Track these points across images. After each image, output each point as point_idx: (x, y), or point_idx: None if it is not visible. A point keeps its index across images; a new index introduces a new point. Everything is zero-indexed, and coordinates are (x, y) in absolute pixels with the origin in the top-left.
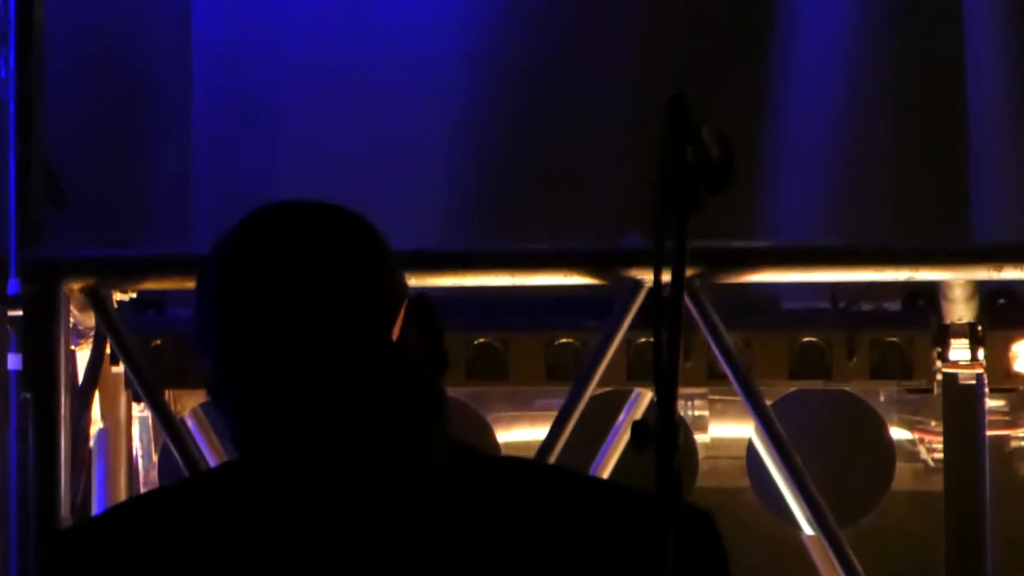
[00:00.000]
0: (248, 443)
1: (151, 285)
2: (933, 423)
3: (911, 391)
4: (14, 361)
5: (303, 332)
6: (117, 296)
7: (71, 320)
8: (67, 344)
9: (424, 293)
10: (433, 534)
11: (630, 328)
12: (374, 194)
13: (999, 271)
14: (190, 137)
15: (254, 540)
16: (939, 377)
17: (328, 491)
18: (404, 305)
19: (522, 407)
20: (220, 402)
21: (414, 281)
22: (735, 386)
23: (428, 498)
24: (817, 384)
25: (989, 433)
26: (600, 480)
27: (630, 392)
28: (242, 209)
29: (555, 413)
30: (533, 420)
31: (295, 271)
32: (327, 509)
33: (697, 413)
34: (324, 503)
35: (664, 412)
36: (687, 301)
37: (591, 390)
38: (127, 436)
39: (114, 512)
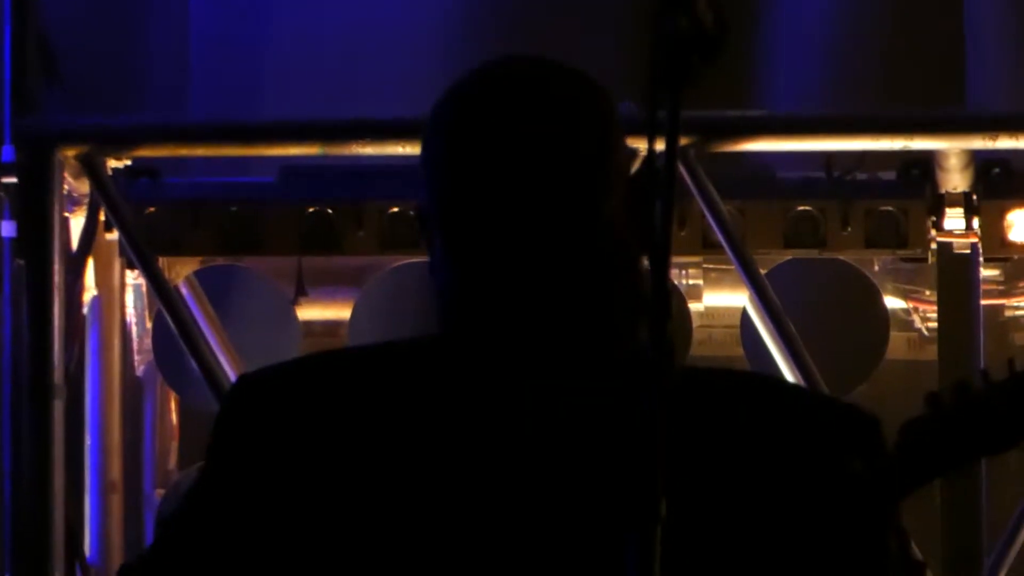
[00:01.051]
0: (452, 292)
1: (146, 152)
2: (927, 292)
3: (905, 260)
4: (8, 228)
5: (530, 181)
6: (111, 163)
7: (65, 187)
8: (61, 211)
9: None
10: (614, 424)
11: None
12: (371, 62)
13: (994, 140)
14: (187, 4)
15: (439, 407)
16: (933, 246)
17: (519, 359)
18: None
19: None
20: (429, 241)
21: (409, 150)
22: (729, 255)
23: (613, 389)
24: (812, 253)
25: (983, 302)
26: (801, 390)
27: None
28: (239, 78)
29: None
30: None
31: (539, 120)
32: (514, 378)
33: (691, 282)
34: (512, 370)
35: (658, 281)
36: (681, 170)
37: None
38: (120, 304)
39: (303, 362)
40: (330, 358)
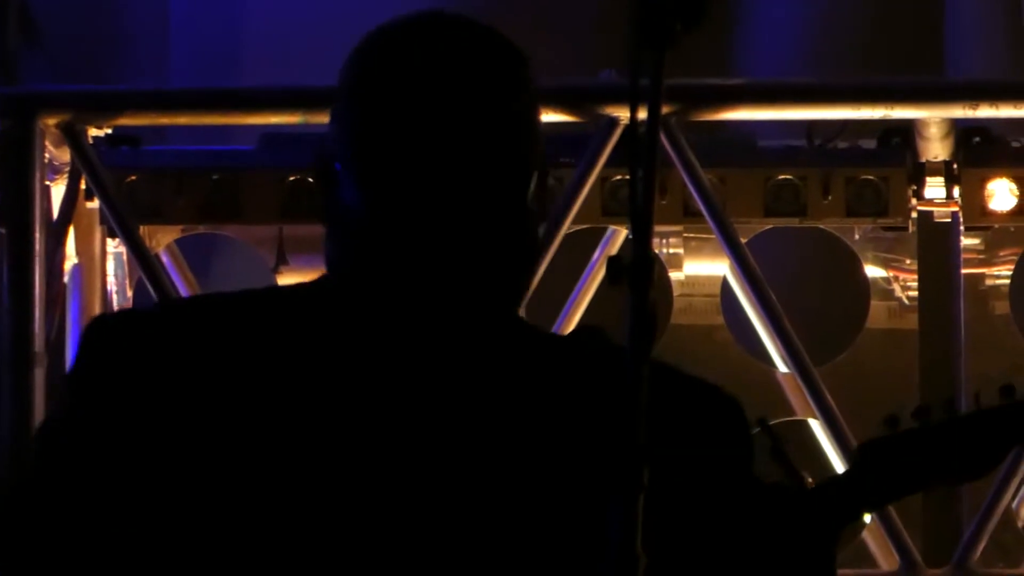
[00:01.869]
0: (360, 232)
1: (126, 120)
2: (908, 261)
3: (886, 229)
4: None
5: (455, 123)
6: (92, 131)
7: (46, 155)
8: (42, 179)
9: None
10: (486, 386)
11: (605, 165)
12: (351, 29)
13: (975, 109)
14: None
15: (323, 350)
16: (914, 215)
17: (410, 305)
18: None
19: None
20: (328, 180)
21: None
22: (710, 223)
23: (493, 352)
24: (792, 222)
25: (964, 271)
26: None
27: (605, 229)
28: (220, 46)
29: None
30: None
31: (468, 65)
32: (400, 324)
33: (672, 251)
34: (401, 316)
35: (639, 248)
36: (662, 138)
37: (566, 227)
38: (102, 272)
39: (167, 305)
40: (210, 299)
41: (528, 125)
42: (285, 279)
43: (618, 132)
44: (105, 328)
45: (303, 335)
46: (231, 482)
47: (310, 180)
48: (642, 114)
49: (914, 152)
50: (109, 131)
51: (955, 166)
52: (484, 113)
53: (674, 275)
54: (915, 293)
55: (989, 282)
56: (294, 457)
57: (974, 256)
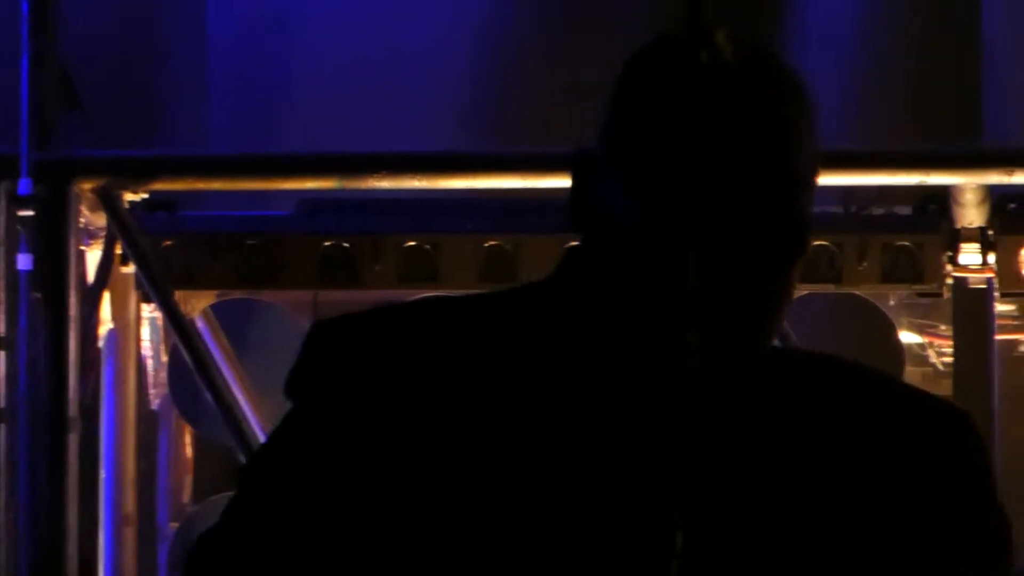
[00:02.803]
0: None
1: (162, 185)
2: (943, 327)
3: (921, 295)
4: (24, 261)
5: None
6: (128, 196)
7: (81, 220)
8: (77, 244)
9: None
10: (738, 422)
11: None
12: (392, 97)
13: (1010, 175)
14: (206, 37)
15: (545, 364)
16: (949, 281)
17: (656, 335)
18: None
19: None
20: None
21: (426, 183)
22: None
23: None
24: (828, 288)
25: (998, 337)
26: (912, 388)
27: None
28: (257, 111)
29: None
30: None
31: (762, 105)
32: (644, 350)
33: None
34: (644, 341)
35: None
36: None
37: None
38: (136, 337)
39: (390, 311)
40: (438, 301)
41: (808, 169)
42: None
43: None
44: (331, 332)
45: (550, 343)
46: (480, 506)
47: (346, 245)
48: None
49: (950, 218)
50: (145, 196)
51: (991, 232)
52: (774, 154)
53: None
54: (950, 359)
55: (1023, 348)
56: (546, 484)
57: (1009, 322)
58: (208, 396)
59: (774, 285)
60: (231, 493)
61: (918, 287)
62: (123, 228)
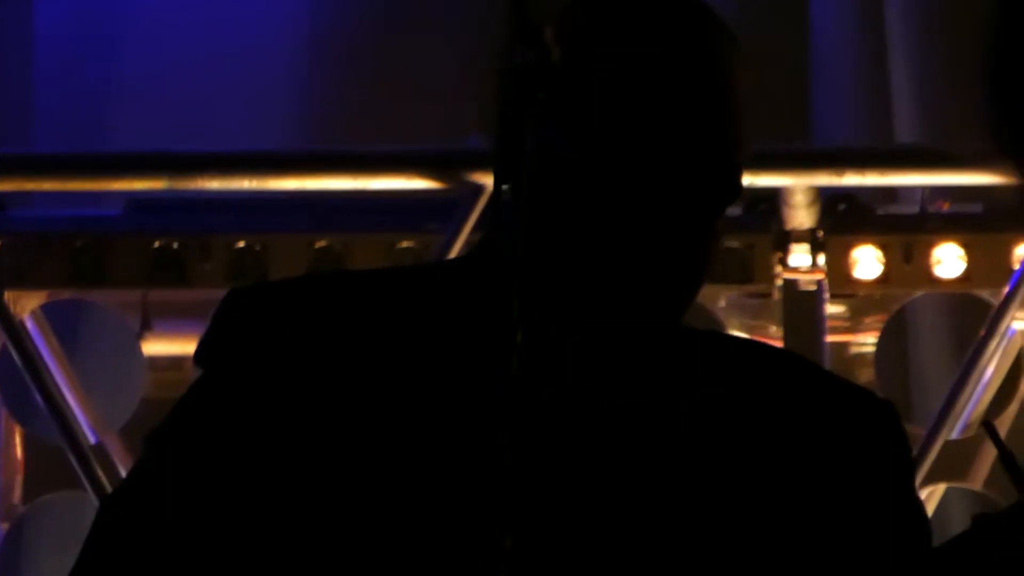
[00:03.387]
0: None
1: None
2: (773, 328)
3: (751, 296)
4: None
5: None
6: None
7: None
8: None
9: None
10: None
11: (472, 232)
12: (217, 95)
13: (840, 176)
14: (32, 39)
15: (461, 333)
16: (779, 282)
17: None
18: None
19: None
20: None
21: (256, 184)
22: None
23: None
24: None
25: (829, 339)
26: (836, 377)
27: None
28: (84, 113)
29: None
30: None
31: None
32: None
33: None
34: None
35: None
36: None
37: None
38: None
39: (309, 281)
40: (349, 276)
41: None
42: (150, 345)
43: (484, 199)
44: (239, 303)
45: (444, 319)
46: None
47: (175, 245)
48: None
49: (779, 220)
50: None
51: (820, 234)
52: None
53: None
54: None
55: (854, 350)
56: (445, 462)
57: (839, 324)
58: (37, 396)
59: (699, 233)
60: (62, 492)
61: (748, 288)
62: None
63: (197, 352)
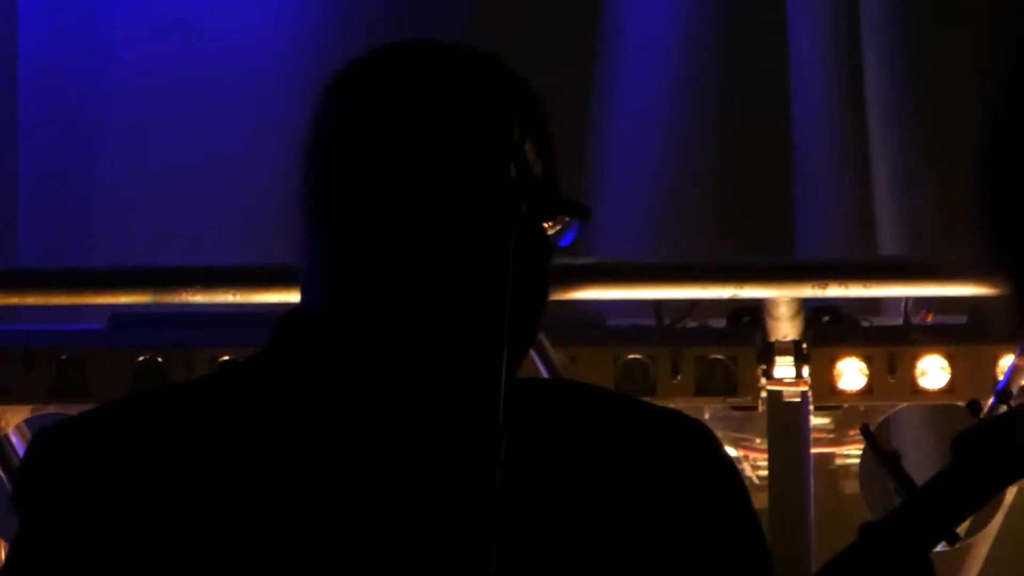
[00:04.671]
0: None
1: None
2: (758, 440)
3: (736, 408)
4: None
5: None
6: None
7: None
8: None
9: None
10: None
11: None
12: (203, 208)
13: (824, 289)
14: (16, 154)
15: (274, 432)
16: (764, 394)
17: (393, 371)
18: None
19: None
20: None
21: (240, 298)
22: None
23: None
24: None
25: (813, 451)
26: (645, 403)
27: None
28: (69, 227)
29: None
30: None
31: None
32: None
33: None
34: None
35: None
36: None
37: None
38: None
39: (107, 409)
40: (154, 395)
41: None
42: None
43: None
44: (49, 441)
45: (267, 416)
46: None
47: (159, 359)
48: None
49: (764, 332)
50: None
51: (804, 345)
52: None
53: None
54: (765, 472)
55: (839, 461)
56: (277, 552)
57: (824, 435)
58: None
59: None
60: None
61: (732, 400)
62: None
63: (11, 498)
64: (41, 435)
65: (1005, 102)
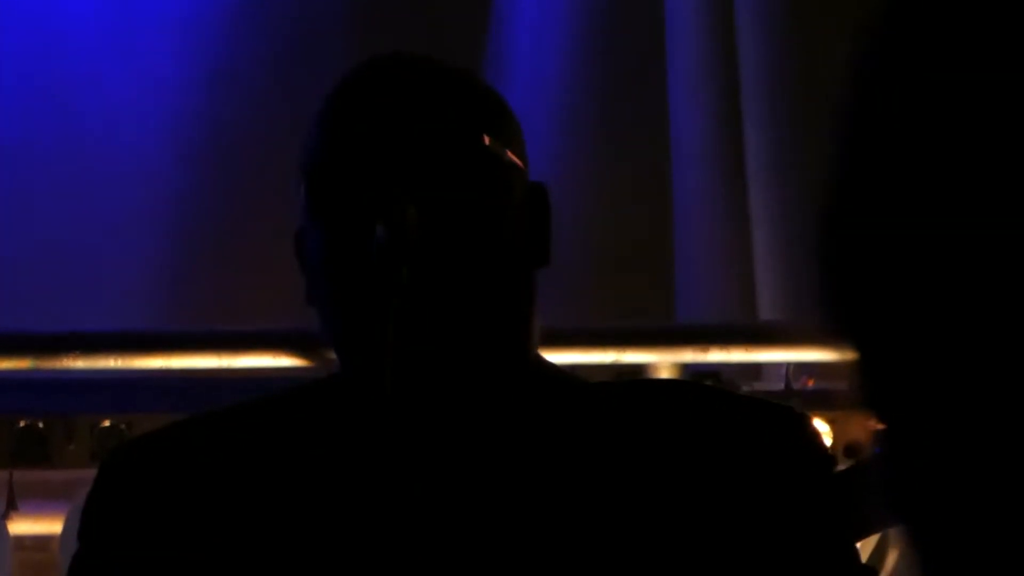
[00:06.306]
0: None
1: None
2: None
3: None
4: None
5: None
6: None
7: None
8: None
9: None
10: (511, 453)
11: None
12: (85, 279)
13: (705, 352)
14: None
15: (339, 449)
16: None
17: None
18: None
19: None
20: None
21: (121, 363)
22: None
23: (507, 405)
24: None
25: None
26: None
27: None
28: None
29: None
30: None
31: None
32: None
33: None
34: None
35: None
36: None
37: None
38: None
39: (178, 426)
40: (222, 413)
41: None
42: (15, 525)
43: None
44: (119, 459)
45: (314, 437)
46: None
47: (40, 425)
48: None
49: None
50: None
51: None
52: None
53: None
54: None
55: None
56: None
57: None
58: None
59: (496, 286)
60: None
61: None
62: None
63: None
64: (108, 458)
65: (841, 165)
